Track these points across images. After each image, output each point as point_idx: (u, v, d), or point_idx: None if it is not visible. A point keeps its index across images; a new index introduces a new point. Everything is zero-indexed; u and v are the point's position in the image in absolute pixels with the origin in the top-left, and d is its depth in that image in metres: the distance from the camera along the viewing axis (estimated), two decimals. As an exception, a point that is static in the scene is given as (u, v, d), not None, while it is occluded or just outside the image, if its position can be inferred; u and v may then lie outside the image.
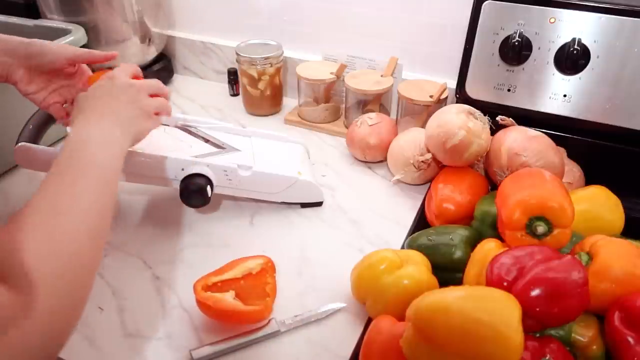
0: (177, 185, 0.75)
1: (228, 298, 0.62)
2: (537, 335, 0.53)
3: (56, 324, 0.39)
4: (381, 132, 0.92)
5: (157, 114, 0.66)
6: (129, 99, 0.61)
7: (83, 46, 1.00)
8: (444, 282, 0.61)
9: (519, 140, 0.74)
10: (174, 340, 0.63)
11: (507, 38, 0.81)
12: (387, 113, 1.04)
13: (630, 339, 0.50)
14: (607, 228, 0.65)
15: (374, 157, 0.94)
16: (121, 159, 0.54)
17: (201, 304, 0.62)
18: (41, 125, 0.77)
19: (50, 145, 0.91)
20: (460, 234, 0.68)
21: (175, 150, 0.79)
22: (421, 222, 0.79)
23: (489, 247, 0.62)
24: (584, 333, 0.55)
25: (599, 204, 0.68)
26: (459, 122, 0.76)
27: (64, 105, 0.72)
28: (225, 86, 1.20)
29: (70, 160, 0.48)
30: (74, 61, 0.70)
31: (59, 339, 0.39)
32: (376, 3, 1.01)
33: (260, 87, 1.08)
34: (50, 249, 0.40)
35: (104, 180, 0.49)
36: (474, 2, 0.83)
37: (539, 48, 0.80)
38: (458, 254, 0.65)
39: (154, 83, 0.68)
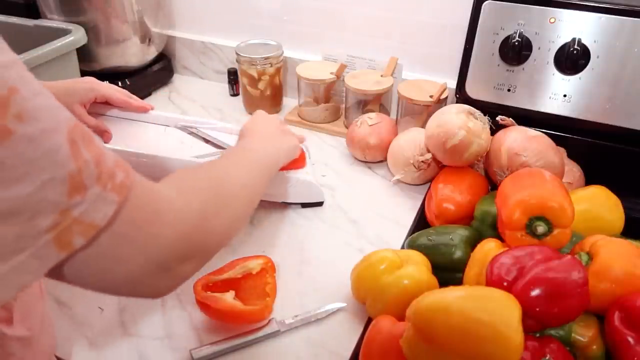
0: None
1: (228, 298, 0.62)
2: (537, 335, 0.53)
3: (202, 232, 0.45)
4: (381, 132, 0.92)
5: None
6: (274, 125, 0.76)
7: (83, 46, 1.00)
8: (444, 282, 0.61)
9: (519, 140, 0.74)
10: (174, 340, 0.63)
11: (507, 38, 0.81)
12: (387, 113, 1.04)
13: (630, 339, 0.50)
14: (607, 228, 0.65)
15: (374, 157, 0.94)
16: (271, 162, 0.68)
17: (201, 304, 0.62)
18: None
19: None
20: (460, 234, 0.68)
21: (175, 150, 0.79)
22: (421, 222, 0.79)
23: (489, 247, 0.62)
24: (584, 333, 0.55)
25: (599, 204, 0.68)
26: (459, 122, 0.76)
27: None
28: (225, 86, 1.20)
29: (234, 151, 0.65)
30: (111, 103, 0.82)
31: (205, 247, 0.46)
32: (376, 3, 1.01)
33: (260, 87, 1.08)
34: (212, 178, 0.52)
35: (255, 164, 0.62)
36: (474, 2, 0.83)
37: (539, 48, 0.80)
38: (458, 254, 0.65)
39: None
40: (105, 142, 0.77)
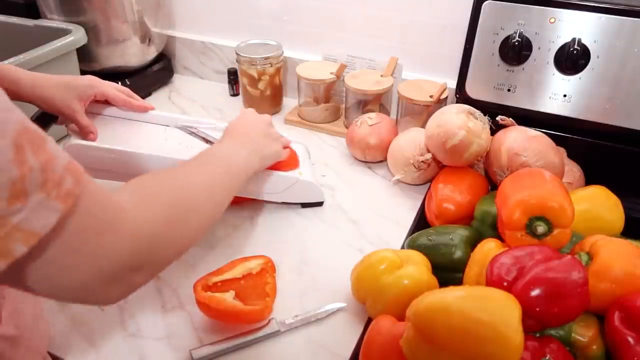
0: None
1: (228, 298, 0.62)
2: (537, 335, 0.53)
3: (159, 244, 0.44)
4: (381, 132, 0.92)
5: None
6: (258, 128, 0.75)
7: (83, 46, 1.00)
8: (444, 282, 0.61)
9: (519, 140, 0.74)
10: (174, 340, 0.63)
11: (507, 38, 0.81)
12: (387, 113, 1.04)
13: (630, 339, 0.50)
14: (607, 228, 0.65)
15: (374, 157, 0.94)
16: (244, 170, 0.66)
17: (201, 304, 0.62)
18: (41, 126, 0.77)
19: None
20: (460, 234, 0.68)
21: (175, 150, 0.79)
22: (421, 222, 0.79)
23: (489, 247, 0.62)
24: (584, 333, 0.55)
25: (599, 204, 0.68)
26: (459, 122, 0.76)
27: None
28: (225, 86, 1.20)
29: (202, 154, 0.61)
30: (110, 101, 0.81)
31: (159, 258, 0.45)
32: (376, 3, 1.01)
33: (260, 87, 1.08)
34: (174, 186, 0.50)
35: (224, 168, 0.60)
36: (474, 2, 0.83)
37: (539, 48, 0.80)
38: (458, 254, 0.65)
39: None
40: (90, 141, 0.76)
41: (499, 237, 0.64)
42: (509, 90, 0.85)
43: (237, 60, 1.08)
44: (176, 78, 1.28)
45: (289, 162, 0.82)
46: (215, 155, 0.64)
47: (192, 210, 0.50)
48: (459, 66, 0.88)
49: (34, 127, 0.35)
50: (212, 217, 0.55)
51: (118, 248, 0.40)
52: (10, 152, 0.31)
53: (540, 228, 0.58)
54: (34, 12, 1.09)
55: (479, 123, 0.77)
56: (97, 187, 0.39)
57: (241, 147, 0.68)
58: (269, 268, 0.68)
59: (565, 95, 0.81)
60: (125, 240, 0.40)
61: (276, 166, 0.79)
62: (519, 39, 0.80)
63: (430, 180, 0.85)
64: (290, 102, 1.15)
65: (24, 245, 0.33)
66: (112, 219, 0.40)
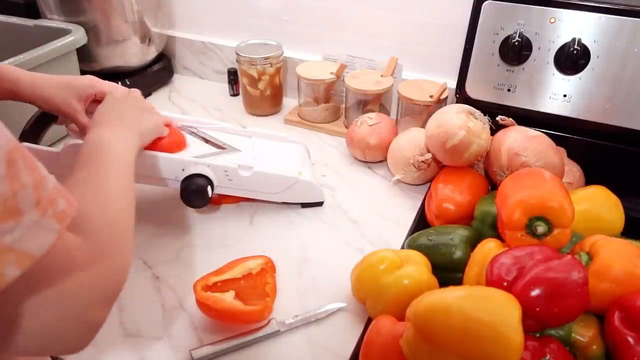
0: (177, 186, 0.75)
1: (228, 298, 0.62)
2: (537, 335, 0.53)
3: (115, 269, 0.43)
4: (381, 132, 0.92)
5: None
6: (130, 105, 0.70)
7: (83, 46, 1.00)
8: (444, 282, 0.61)
9: (519, 140, 0.74)
10: (174, 340, 0.63)
11: (507, 38, 0.81)
12: (387, 113, 1.04)
13: (630, 339, 0.50)
14: (607, 228, 0.65)
15: (374, 157, 0.94)
16: (131, 151, 0.61)
17: (201, 304, 0.62)
18: (41, 126, 0.77)
19: (50, 146, 0.92)
20: (460, 234, 0.68)
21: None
22: (421, 222, 0.79)
23: (489, 247, 0.62)
24: (584, 333, 0.55)
25: (599, 204, 0.68)
26: (459, 122, 0.76)
27: None
28: (225, 86, 1.20)
29: (88, 155, 0.55)
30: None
31: (117, 284, 0.44)
32: (376, 3, 1.01)
33: (260, 87, 1.08)
34: (99, 205, 0.47)
35: (120, 165, 0.56)
36: (474, 2, 0.83)
37: (539, 48, 0.80)
38: (458, 254, 0.65)
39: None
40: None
41: (499, 237, 0.64)
42: (509, 90, 0.85)
43: (237, 60, 1.08)
44: (176, 78, 1.28)
45: (174, 142, 0.78)
46: (106, 150, 0.57)
47: (123, 223, 0.48)
48: (459, 66, 0.88)
49: (25, 149, 0.33)
50: (133, 220, 0.52)
51: (84, 286, 0.38)
52: (2, 168, 0.30)
53: (540, 228, 0.58)
54: (34, 12, 1.09)
55: (479, 123, 0.77)
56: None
57: (121, 129, 0.63)
58: (269, 268, 0.68)
59: (565, 95, 0.81)
60: (89, 276, 0.39)
61: (162, 147, 0.75)
62: (519, 39, 0.80)
63: (430, 180, 0.85)
64: (290, 102, 1.15)
65: (17, 268, 0.31)
66: (74, 256, 0.38)
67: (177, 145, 0.78)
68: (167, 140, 0.76)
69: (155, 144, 0.74)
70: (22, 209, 0.31)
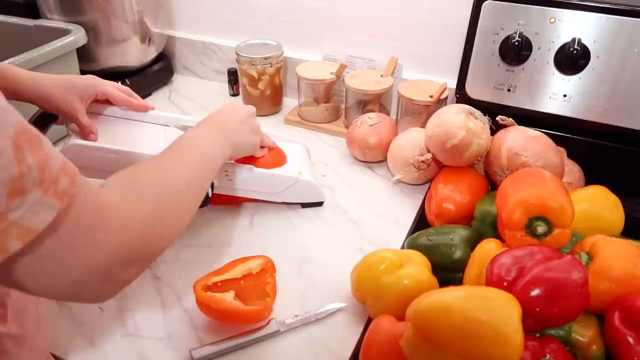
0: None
1: (228, 298, 0.62)
2: (537, 335, 0.53)
3: (153, 237, 0.46)
4: (381, 132, 0.92)
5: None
6: (240, 118, 0.73)
7: (83, 46, 1.00)
8: (444, 282, 0.61)
9: (519, 140, 0.74)
10: (174, 340, 0.63)
11: (507, 38, 0.81)
12: (387, 113, 1.04)
13: (630, 339, 0.50)
14: (607, 228, 0.65)
15: (374, 157, 0.94)
16: (218, 154, 0.65)
17: (201, 304, 0.62)
18: (42, 126, 0.77)
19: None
20: (460, 234, 0.68)
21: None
22: (421, 222, 0.79)
23: (489, 247, 0.62)
24: (584, 333, 0.55)
25: (599, 204, 0.68)
26: (459, 122, 0.76)
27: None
28: (225, 86, 1.20)
29: (176, 142, 0.60)
30: (111, 100, 0.81)
31: (152, 250, 0.46)
32: (376, 3, 1.01)
33: (260, 87, 1.08)
34: (156, 179, 0.51)
35: (199, 159, 0.60)
36: (474, 2, 0.83)
37: (539, 48, 0.80)
38: (458, 254, 0.65)
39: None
40: (91, 141, 0.76)
41: (499, 237, 0.64)
42: (509, 90, 0.85)
43: (237, 60, 1.08)
44: (176, 78, 1.28)
45: (274, 159, 0.82)
46: (192, 143, 0.63)
47: (176, 202, 0.51)
48: (459, 66, 0.88)
49: (31, 127, 0.35)
50: (193, 206, 0.55)
51: (110, 245, 0.40)
52: (10, 151, 0.32)
53: (540, 228, 0.58)
54: (34, 12, 1.09)
55: (479, 123, 0.77)
56: (90, 187, 0.40)
57: (217, 133, 0.67)
58: (269, 268, 0.68)
59: (565, 95, 0.81)
60: (116, 237, 0.41)
61: (257, 162, 0.79)
62: (519, 39, 0.80)
63: (430, 180, 0.85)
64: (290, 102, 1.15)
65: (19, 241, 0.34)
66: (104, 217, 0.40)
67: (275, 161, 0.83)
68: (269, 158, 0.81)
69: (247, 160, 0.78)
70: (27, 188, 0.33)
